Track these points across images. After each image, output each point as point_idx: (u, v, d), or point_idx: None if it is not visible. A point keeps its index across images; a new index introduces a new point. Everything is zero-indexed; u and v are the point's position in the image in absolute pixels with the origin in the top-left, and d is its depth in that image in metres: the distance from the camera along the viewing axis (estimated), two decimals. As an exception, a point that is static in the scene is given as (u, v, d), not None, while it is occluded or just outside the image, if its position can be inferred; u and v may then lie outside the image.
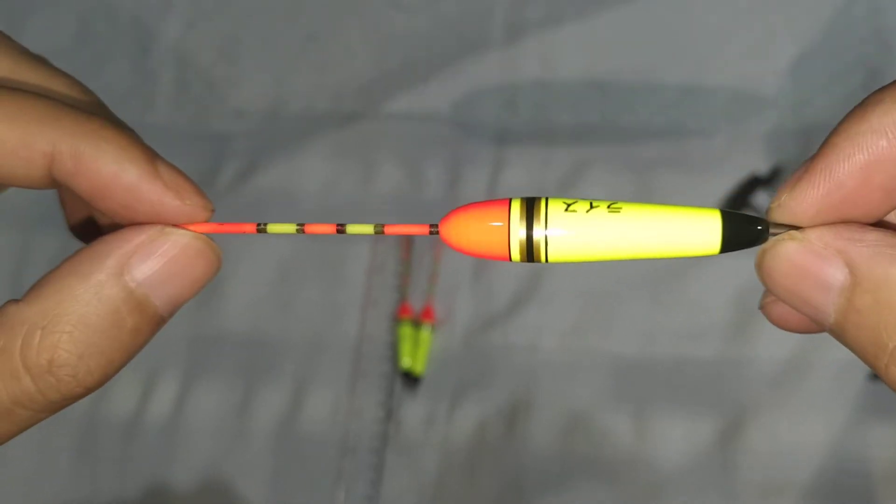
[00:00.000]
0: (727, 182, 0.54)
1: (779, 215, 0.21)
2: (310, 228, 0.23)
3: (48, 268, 0.22)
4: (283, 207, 0.57)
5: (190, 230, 0.22)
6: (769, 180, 0.53)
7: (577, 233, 0.22)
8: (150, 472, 0.54)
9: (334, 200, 0.57)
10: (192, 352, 0.56)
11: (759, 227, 0.22)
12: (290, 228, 0.23)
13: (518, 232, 0.22)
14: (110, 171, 0.21)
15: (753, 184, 0.53)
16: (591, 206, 0.22)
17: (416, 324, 0.54)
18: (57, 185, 0.22)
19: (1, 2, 0.64)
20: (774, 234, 0.21)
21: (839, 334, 0.20)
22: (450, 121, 0.58)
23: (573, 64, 0.58)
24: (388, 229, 0.23)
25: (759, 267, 0.22)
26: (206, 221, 0.23)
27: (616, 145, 0.56)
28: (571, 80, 0.58)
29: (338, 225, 0.23)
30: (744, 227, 0.22)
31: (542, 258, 0.22)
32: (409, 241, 0.56)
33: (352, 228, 0.23)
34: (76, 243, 0.62)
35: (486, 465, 0.51)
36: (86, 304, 0.21)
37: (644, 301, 0.53)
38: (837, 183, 0.20)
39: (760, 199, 0.53)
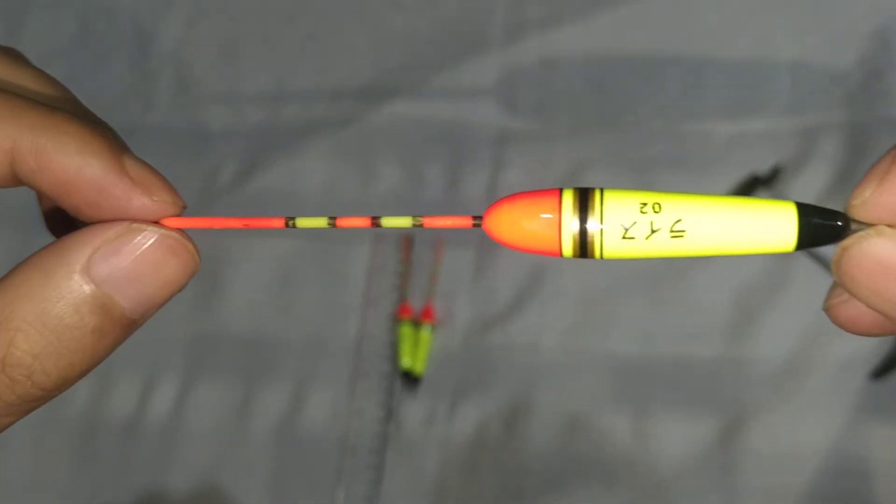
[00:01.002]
0: (727, 182, 0.54)
1: (862, 213, 0.19)
2: (342, 222, 0.21)
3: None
4: (282, 207, 0.57)
5: (168, 226, 0.21)
6: (769, 180, 0.53)
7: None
8: (149, 473, 0.54)
9: (334, 200, 0.57)
10: (192, 352, 0.56)
11: (839, 223, 0.19)
12: (321, 223, 0.21)
13: (570, 225, 0.20)
14: (73, 166, 0.20)
15: (753, 184, 0.53)
16: (652, 231, 0.20)
17: (416, 324, 0.54)
18: (22, 183, 0.21)
19: (1, 2, 0.64)
20: (856, 231, 0.19)
21: None
22: (450, 121, 0.58)
23: (573, 64, 0.58)
24: (428, 222, 0.21)
25: (838, 265, 0.19)
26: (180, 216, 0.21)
27: (616, 145, 0.56)
28: (571, 80, 0.58)
29: (372, 218, 0.21)
30: (822, 223, 0.20)
31: (597, 253, 0.20)
32: (409, 241, 0.56)
33: (387, 221, 0.21)
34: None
35: (486, 465, 0.51)
36: (44, 301, 0.19)
37: (644, 301, 0.53)
38: None
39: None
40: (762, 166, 0.54)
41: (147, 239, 0.20)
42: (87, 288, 0.19)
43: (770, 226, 0.20)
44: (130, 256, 0.20)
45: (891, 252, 0.19)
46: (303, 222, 0.21)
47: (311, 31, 0.62)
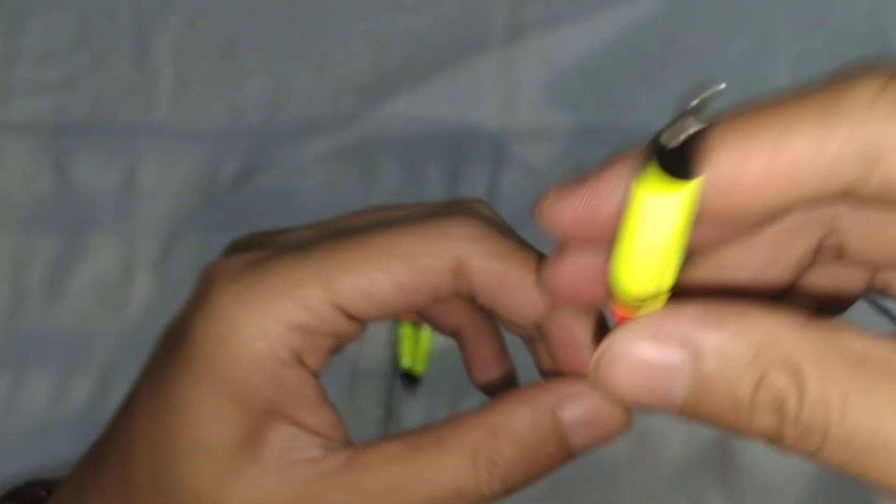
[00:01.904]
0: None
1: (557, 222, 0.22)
2: None
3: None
4: (282, 208, 0.57)
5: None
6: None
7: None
8: (150, 473, 0.54)
9: (334, 200, 0.57)
10: (192, 352, 0.56)
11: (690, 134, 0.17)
12: None
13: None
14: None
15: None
16: None
17: (416, 324, 0.54)
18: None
19: (1, 2, 0.64)
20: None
21: (692, 411, 0.20)
22: (450, 121, 0.58)
23: (573, 64, 0.58)
24: None
25: (596, 375, 0.20)
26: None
27: (616, 145, 0.56)
28: (571, 80, 0.58)
29: None
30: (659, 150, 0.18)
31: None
32: (409, 241, 0.56)
33: None
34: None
35: (486, 465, 0.51)
36: (525, 425, 0.25)
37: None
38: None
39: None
40: (762, 166, 0.54)
41: (603, 399, 0.25)
42: (556, 424, 0.25)
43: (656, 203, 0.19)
44: (590, 408, 0.25)
45: (646, 351, 0.20)
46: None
47: (311, 31, 0.62)
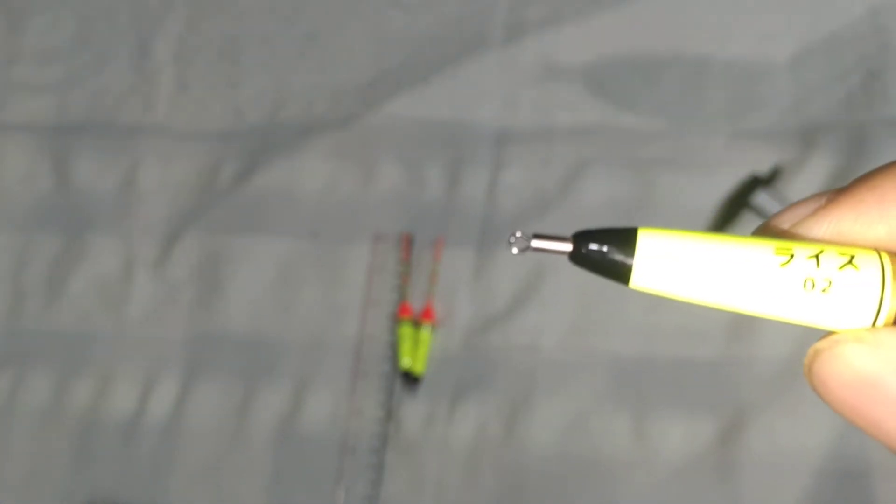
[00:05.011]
0: (727, 182, 0.54)
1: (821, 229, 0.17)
2: None
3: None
4: (282, 207, 0.57)
5: None
6: (769, 180, 0.53)
7: None
8: (149, 473, 0.54)
9: (334, 200, 0.57)
10: (192, 352, 0.56)
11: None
12: None
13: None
14: None
15: (753, 184, 0.53)
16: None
17: (416, 324, 0.54)
18: None
19: (1, 2, 0.64)
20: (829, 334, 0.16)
21: None
22: (450, 121, 0.58)
23: (573, 64, 0.58)
24: None
25: (810, 370, 0.16)
26: None
27: (616, 145, 0.56)
28: (571, 80, 0.58)
29: None
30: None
31: None
32: (409, 241, 0.56)
33: None
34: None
35: (486, 465, 0.51)
36: None
37: (644, 301, 0.53)
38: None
39: (760, 199, 0.53)
40: (762, 166, 0.54)
41: None
42: None
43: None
44: None
45: (870, 364, 0.15)
46: None
47: (311, 31, 0.62)
